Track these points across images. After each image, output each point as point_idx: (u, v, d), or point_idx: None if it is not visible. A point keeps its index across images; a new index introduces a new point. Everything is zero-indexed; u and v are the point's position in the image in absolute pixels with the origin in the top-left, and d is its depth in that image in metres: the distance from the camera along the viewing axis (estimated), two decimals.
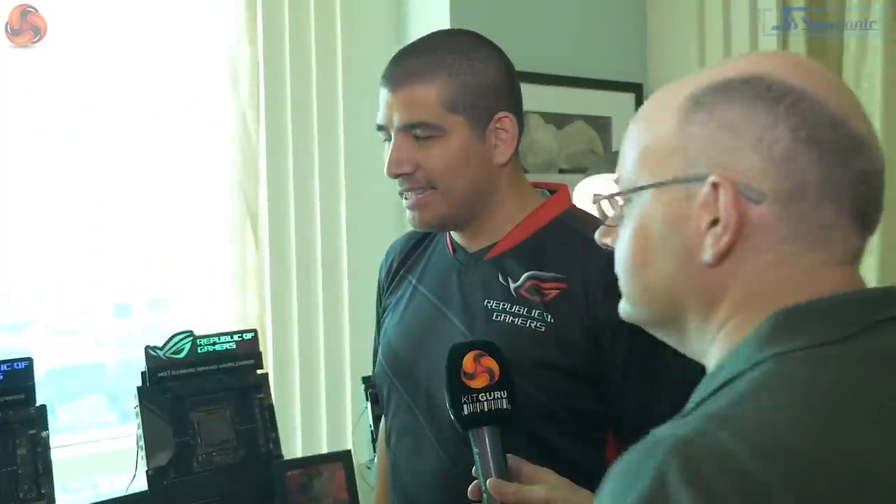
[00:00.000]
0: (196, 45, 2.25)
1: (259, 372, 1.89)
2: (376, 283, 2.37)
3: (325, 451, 2.27)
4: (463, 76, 1.20)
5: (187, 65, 2.25)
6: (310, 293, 2.32)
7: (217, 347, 1.86)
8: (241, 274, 2.28)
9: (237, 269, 2.27)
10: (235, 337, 1.88)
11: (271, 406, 1.87)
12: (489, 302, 1.21)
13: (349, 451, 1.89)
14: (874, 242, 2.26)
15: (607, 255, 1.20)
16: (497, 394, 0.97)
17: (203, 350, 1.84)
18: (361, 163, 2.38)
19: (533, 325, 1.17)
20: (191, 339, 1.84)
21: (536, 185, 1.33)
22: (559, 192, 1.30)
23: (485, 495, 0.95)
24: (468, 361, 0.98)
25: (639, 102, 2.61)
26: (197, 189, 2.28)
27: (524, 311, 1.18)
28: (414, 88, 1.19)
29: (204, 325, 1.98)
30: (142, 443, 1.73)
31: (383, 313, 1.41)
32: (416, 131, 1.19)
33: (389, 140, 1.23)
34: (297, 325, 2.29)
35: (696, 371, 1.18)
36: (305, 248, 2.31)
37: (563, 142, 2.49)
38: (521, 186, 1.28)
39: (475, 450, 0.96)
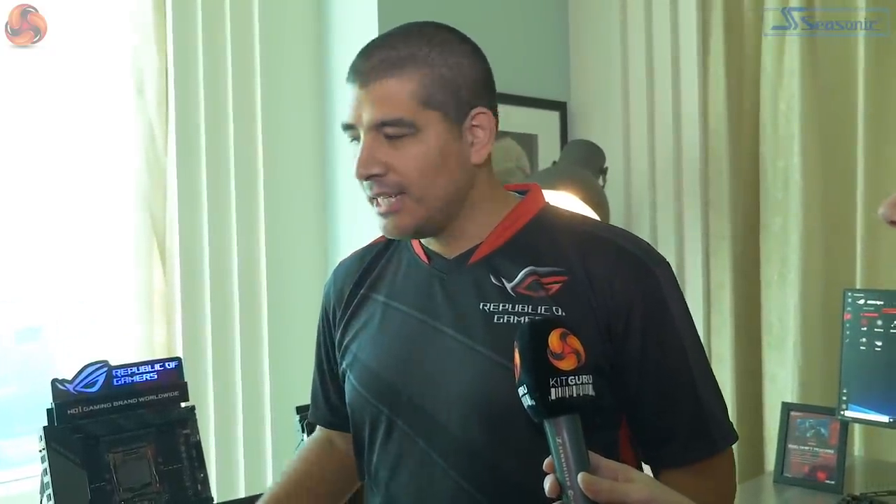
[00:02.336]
0: (96, 46, 2.03)
1: (184, 405, 1.68)
2: (299, 306, 2.19)
3: (242, 492, 2.07)
4: (437, 69, 1.11)
5: (86, 68, 2.02)
6: (226, 318, 2.12)
7: (136, 379, 1.64)
8: (147, 298, 2.06)
9: (142, 293, 2.05)
10: (157, 366, 1.67)
11: (198, 443, 1.67)
12: (486, 305, 1.13)
13: None
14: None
15: (601, 246, 1.14)
16: (584, 378, 0.85)
17: (119, 382, 1.62)
18: (282, 177, 2.22)
19: None
20: (105, 370, 1.61)
21: (506, 188, 1.26)
22: (533, 192, 1.24)
23: (571, 492, 0.82)
24: (554, 340, 0.85)
25: (563, 120, 2.58)
26: (96, 205, 2.06)
27: (528, 308, 1.10)
28: (385, 82, 1.09)
29: (106, 357, 1.74)
30: (49, 491, 1.51)
31: (342, 342, 1.27)
32: (388, 129, 1.09)
33: (357, 140, 1.13)
34: (211, 354, 2.09)
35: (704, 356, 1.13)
36: (220, 269, 2.12)
37: (493, 158, 2.42)
38: (496, 187, 1.22)
39: (556, 440, 0.84)
